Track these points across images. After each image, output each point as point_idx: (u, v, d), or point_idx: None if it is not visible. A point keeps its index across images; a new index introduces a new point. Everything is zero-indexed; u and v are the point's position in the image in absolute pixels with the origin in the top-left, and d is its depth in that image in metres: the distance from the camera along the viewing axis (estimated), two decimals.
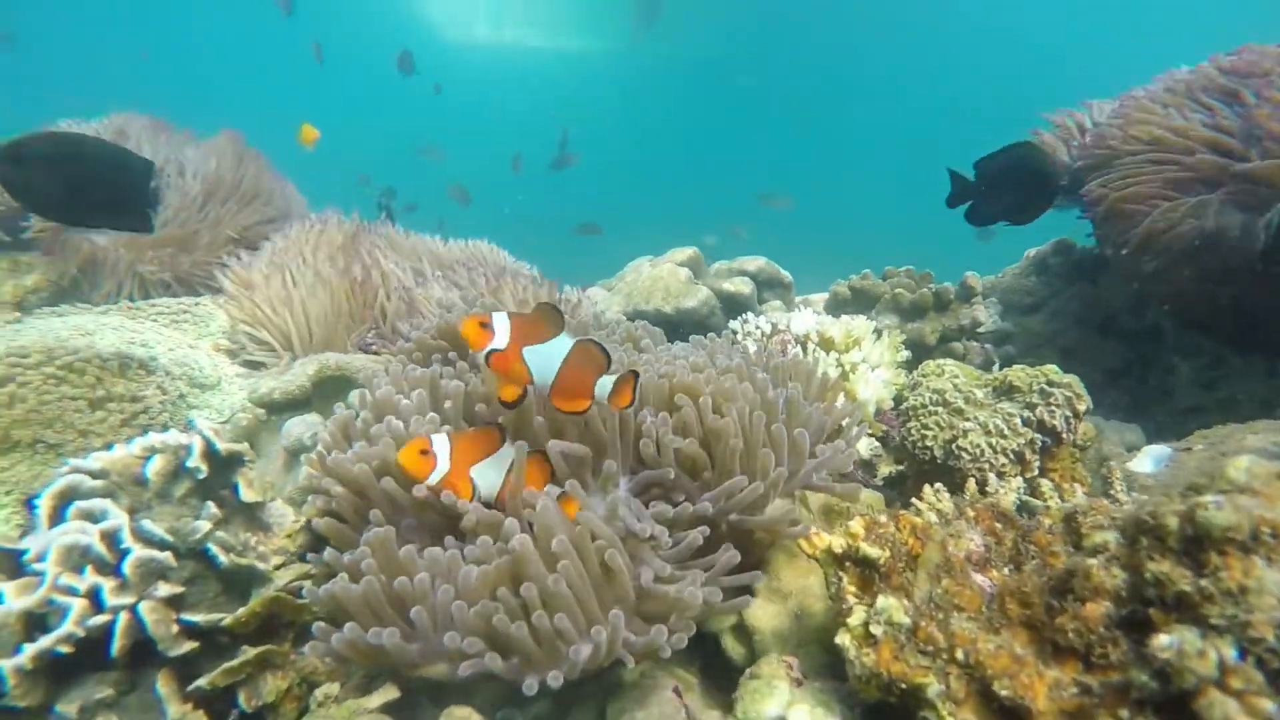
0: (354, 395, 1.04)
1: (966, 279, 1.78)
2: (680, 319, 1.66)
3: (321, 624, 0.69)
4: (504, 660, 0.65)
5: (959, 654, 0.62)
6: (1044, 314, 1.82)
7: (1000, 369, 1.31)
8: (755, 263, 1.84)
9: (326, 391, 1.09)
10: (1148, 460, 1.29)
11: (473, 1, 13.70)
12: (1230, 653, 0.51)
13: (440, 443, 0.73)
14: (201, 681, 0.72)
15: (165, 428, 1.16)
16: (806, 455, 0.82)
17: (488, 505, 0.74)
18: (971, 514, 0.77)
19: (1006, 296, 1.87)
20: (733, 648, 0.89)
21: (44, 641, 0.67)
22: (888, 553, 0.73)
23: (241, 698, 0.74)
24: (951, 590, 0.68)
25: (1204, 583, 0.53)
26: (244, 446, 0.88)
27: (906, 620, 0.66)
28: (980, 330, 1.74)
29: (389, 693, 0.71)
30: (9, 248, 1.84)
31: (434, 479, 0.72)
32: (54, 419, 1.09)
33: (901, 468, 1.30)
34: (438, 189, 5.95)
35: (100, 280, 1.76)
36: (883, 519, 0.75)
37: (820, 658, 0.82)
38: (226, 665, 0.74)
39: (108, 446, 1.00)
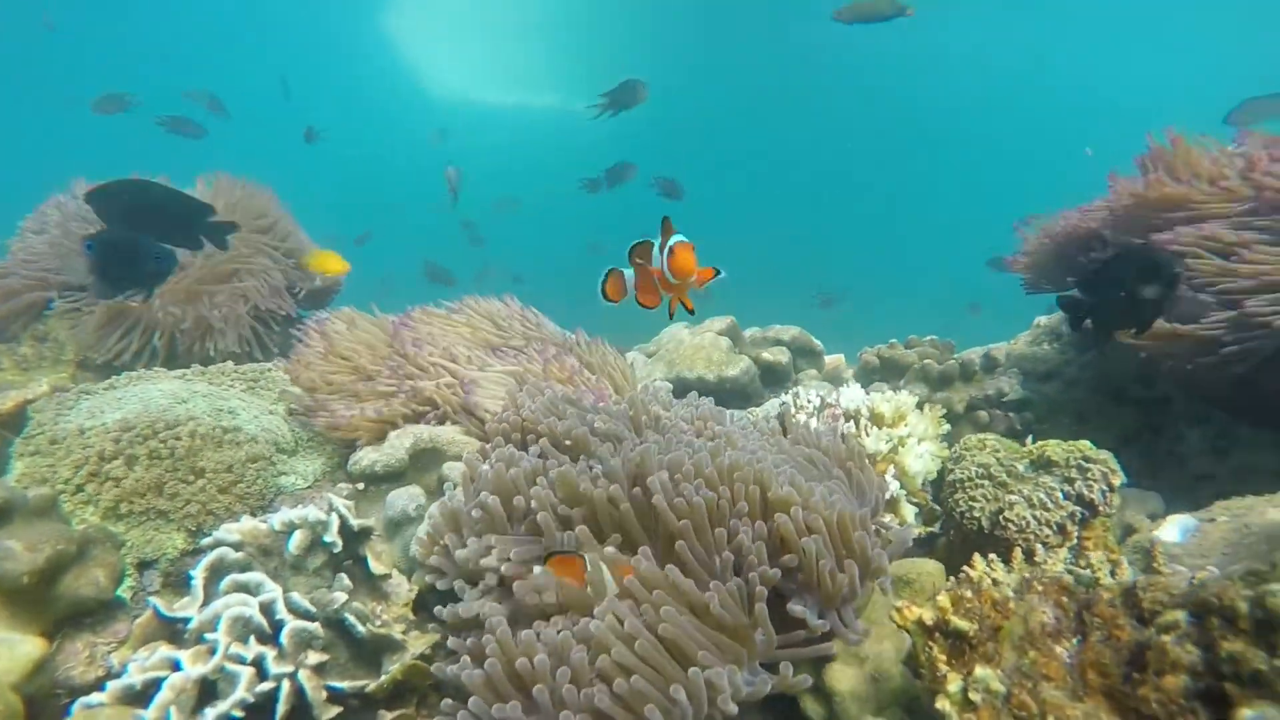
0: (453, 473, 1.12)
1: (991, 351, 1.88)
2: (722, 385, 1.75)
3: (449, 700, 0.77)
4: None
5: (1051, 719, 0.71)
6: (1059, 381, 1.93)
7: (1026, 436, 1.41)
8: (789, 332, 1.93)
9: (421, 463, 1.17)
10: (1175, 530, 1.37)
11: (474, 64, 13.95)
12: None
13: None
14: None
15: (262, 494, 1.23)
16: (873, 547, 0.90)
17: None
18: (1040, 587, 0.86)
19: (1022, 364, 1.97)
20: (811, 708, 0.96)
21: (223, 706, 0.74)
22: (976, 625, 0.81)
23: None
24: (1039, 661, 0.76)
25: (1277, 663, 0.62)
26: (372, 522, 0.96)
27: (1002, 689, 0.74)
28: (1005, 399, 1.84)
29: None
30: (66, 314, 1.91)
31: None
32: (161, 488, 1.16)
33: (933, 529, 1.38)
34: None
35: (134, 335, 1.82)
36: (968, 593, 0.84)
37: (897, 715, 0.90)
38: None
39: (236, 518, 1.07)
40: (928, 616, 0.83)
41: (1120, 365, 1.86)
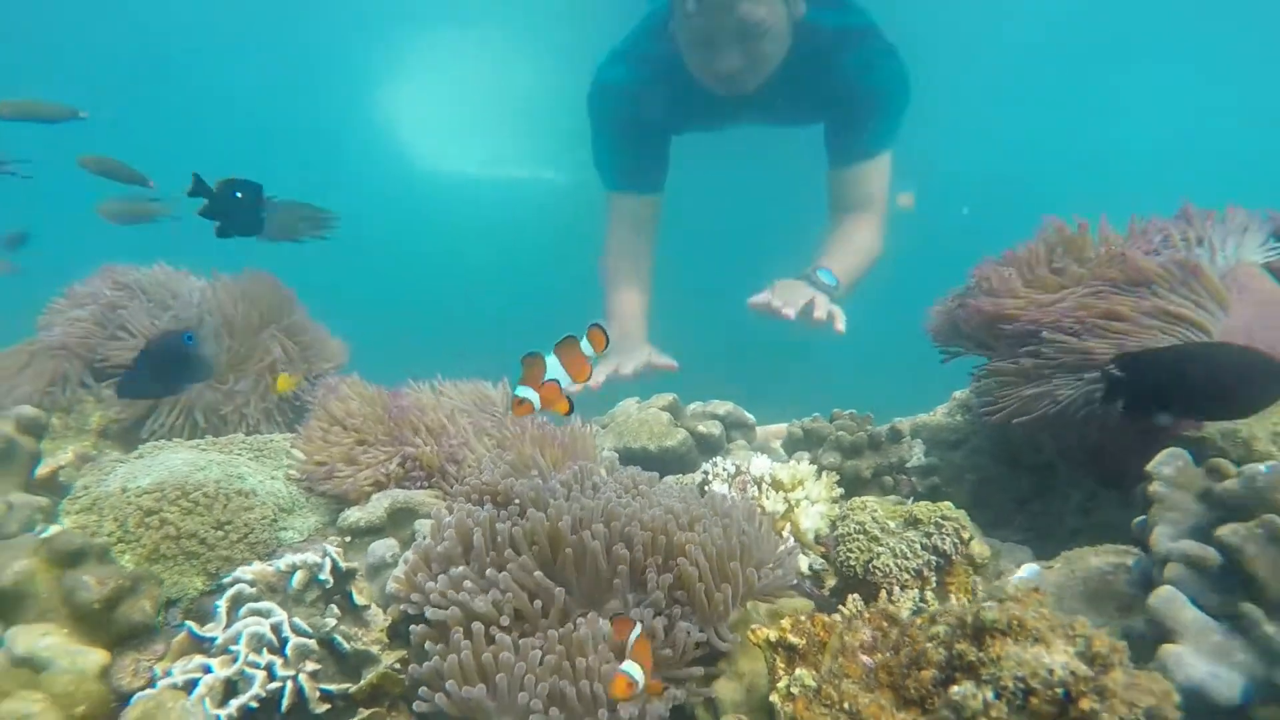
0: (423, 527, 1.40)
1: (895, 424, 2.17)
2: (663, 455, 2.03)
3: (424, 688, 1.03)
4: None
5: (846, 704, 0.97)
6: (965, 450, 2.21)
7: (911, 498, 1.69)
8: (724, 407, 2.23)
9: (397, 520, 1.45)
10: (1025, 574, 1.65)
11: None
12: (990, 695, 0.87)
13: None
14: None
15: (267, 544, 1.51)
16: (756, 580, 1.19)
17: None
18: (866, 615, 1.13)
19: (935, 434, 2.25)
20: (703, 716, 1.23)
21: (243, 698, 1.01)
22: (805, 640, 1.08)
23: None
24: (845, 665, 1.03)
25: (980, 654, 0.89)
26: (357, 565, 1.24)
27: (814, 684, 1.01)
28: (907, 466, 2.12)
29: None
30: (91, 390, 2.19)
31: None
32: (190, 536, 1.43)
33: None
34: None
35: (159, 413, 2.10)
36: (804, 618, 1.11)
37: (762, 716, 1.16)
38: None
39: (248, 562, 1.35)
40: (773, 635, 1.11)
41: (1016, 434, 2.15)
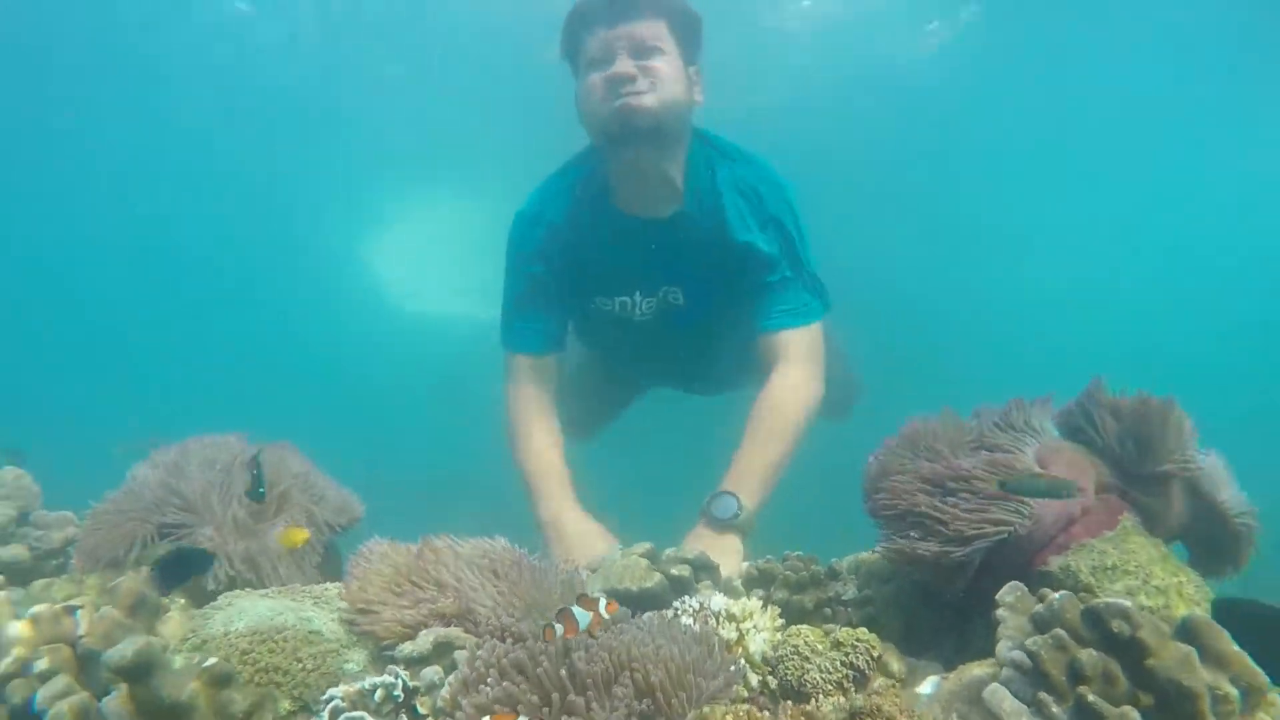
0: (460, 655, 1.84)
1: (833, 564, 2.64)
2: (642, 595, 2.47)
3: None
4: None
5: None
6: (894, 585, 2.67)
7: (844, 625, 2.15)
8: (694, 552, 2.69)
9: (439, 651, 1.89)
10: (928, 686, 2.09)
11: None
12: None
13: None
14: None
15: (335, 673, 1.93)
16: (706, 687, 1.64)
17: None
18: (787, 715, 1.57)
19: (870, 570, 2.72)
20: None
21: None
22: None
23: None
24: None
25: None
26: (421, 683, 1.68)
27: None
28: (844, 599, 2.58)
29: None
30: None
31: None
32: (276, 670, 1.86)
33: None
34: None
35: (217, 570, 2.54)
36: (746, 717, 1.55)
37: None
38: None
39: (320, 688, 1.78)
40: None
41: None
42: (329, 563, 2.87)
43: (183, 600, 2.26)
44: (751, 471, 2.84)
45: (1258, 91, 9.11)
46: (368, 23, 8.75)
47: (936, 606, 2.54)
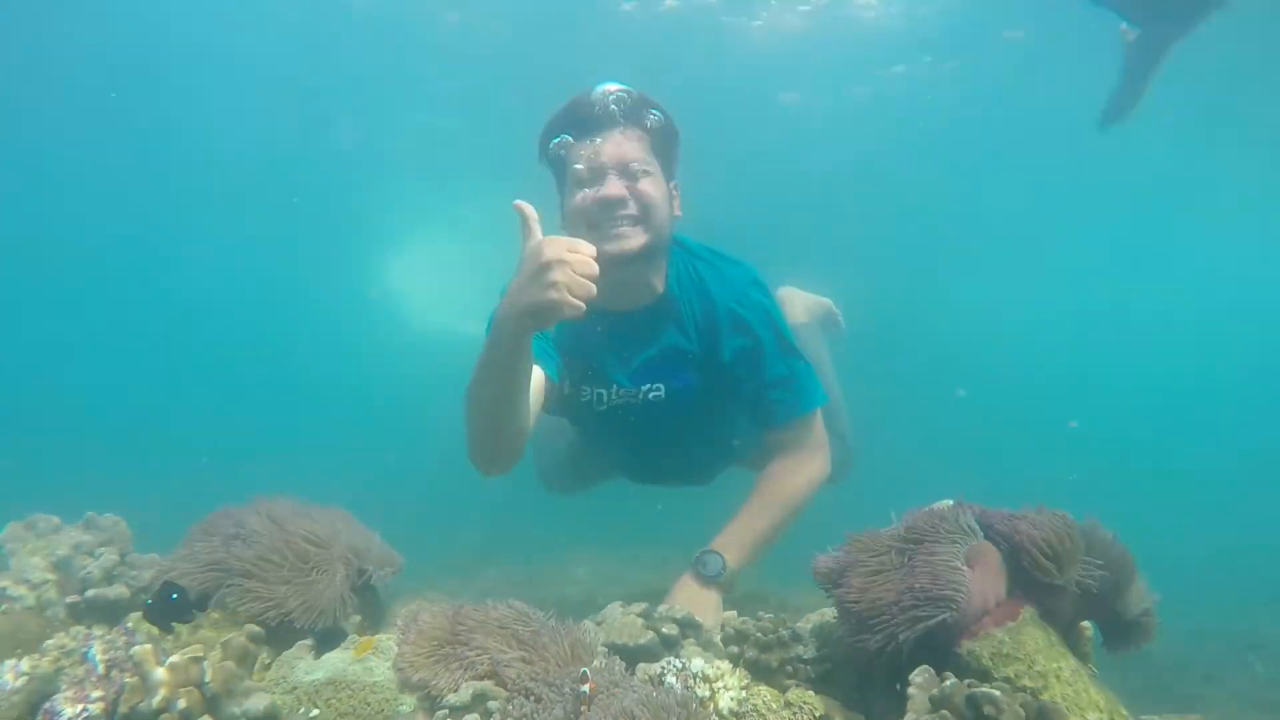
0: (493, 704, 2.38)
1: (795, 627, 3.16)
2: (637, 649, 2.99)
3: None
4: None
5: None
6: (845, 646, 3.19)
7: (807, 680, 2.67)
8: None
9: (478, 700, 2.43)
10: None
11: None
12: None
13: None
14: None
15: (393, 714, 2.47)
16: None
17: None
18: None
19: (831, 631, 3.23)
20: None
21: None
22: None
23: None
24: None
25: None
26: None
27: None
28: (804, 658, 3.10)
29: None
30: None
31: None
32: (348, 714, 2.40)
33: None
34: None
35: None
36: None
37: None
38: None
39: None
40: None
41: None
42: (370, 604, 3.40)
43: (265, 653, 2.80)
44: (740, 538, 3.18)
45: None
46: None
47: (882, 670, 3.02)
